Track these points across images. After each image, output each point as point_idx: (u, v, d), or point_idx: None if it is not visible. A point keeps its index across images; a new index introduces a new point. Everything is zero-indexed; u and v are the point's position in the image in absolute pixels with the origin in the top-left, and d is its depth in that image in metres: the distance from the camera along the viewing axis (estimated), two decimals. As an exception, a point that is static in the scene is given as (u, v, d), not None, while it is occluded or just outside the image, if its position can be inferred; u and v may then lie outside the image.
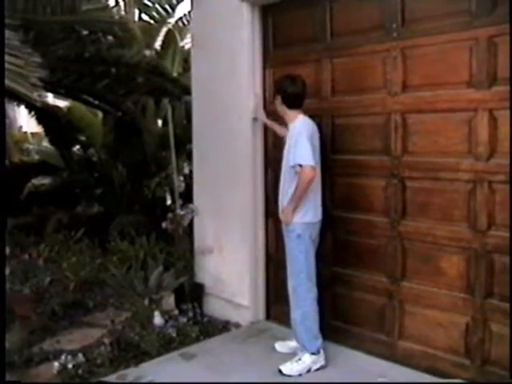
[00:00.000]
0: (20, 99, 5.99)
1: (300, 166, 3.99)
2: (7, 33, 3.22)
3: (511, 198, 3.56)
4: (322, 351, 4.23)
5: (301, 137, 4.05)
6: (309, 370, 4.15)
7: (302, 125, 4.17)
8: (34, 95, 3.23)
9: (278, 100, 4.28)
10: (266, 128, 5.01)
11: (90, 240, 6.74)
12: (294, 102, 4.22)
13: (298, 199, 4.06)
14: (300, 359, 4.19)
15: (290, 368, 4.15)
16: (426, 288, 4.07)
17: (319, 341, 4.23)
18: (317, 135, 4.27)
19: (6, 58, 3.06)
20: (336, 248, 4.62)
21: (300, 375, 4.12)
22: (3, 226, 3.70)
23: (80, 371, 4.23)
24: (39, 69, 3.29)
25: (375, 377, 4.03)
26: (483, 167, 3.72)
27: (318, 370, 4.17)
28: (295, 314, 4.26)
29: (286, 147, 4.24)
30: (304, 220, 4.16)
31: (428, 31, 3.93)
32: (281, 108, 4.30)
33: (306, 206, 4.15)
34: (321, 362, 4.21)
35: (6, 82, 2.97)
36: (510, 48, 3.48)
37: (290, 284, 4.29)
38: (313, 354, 4.18)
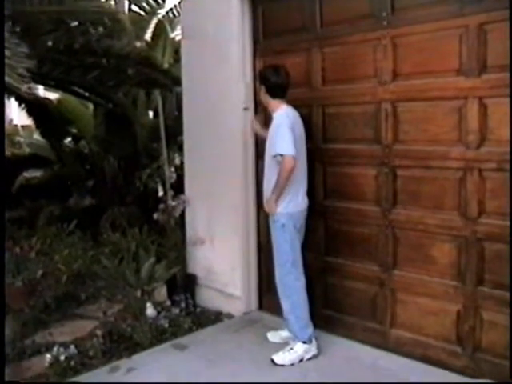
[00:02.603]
0: (10, 91, 5.94)
1: (281, 155, 4.02)
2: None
3: (511, 188, 3.57)
4: (314, 340, 4.24)
5: (281, 127, 4.08)
6: (301, 360, 4.16)
7: (283, 115, 4.19)
8: (23, 87, 3.21)
9: (262, 90, 4.33)
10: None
11: (82, 232, 6.73)
12: (278, 91, 4.25)
13: (281, 189, 4.09)
14: (292, 348, 4.19)
15: (282, 358, 4.15)
16: (417, 276, 4.08)
17: (310, 329, 4.24)
18: (300, 125, 4.28)
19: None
20: (327, 237, 4.63)
21: (292, 365, 4.13)
22: (3, 222, 3.68)
23: (72, 363, 4.23)
24: (26, 59, 3.27)
25: (368, 366, 4.05)
26: (473, 155, 3.72)
27: (310, 359, 4.18)
28: (285, 304, 4.28)
29: (268, 137, 4.27)
30: (288, 210, 4.18)
31: (418, 19, 3.92)
32: (264, 98, 4.34)
33: (289, 195, 4.16)
34: (313, 351, 4.21)
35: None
36: (509, 36, 3.47)
37: (277, 274, 4.31)
38: (304, 342, 4.19)
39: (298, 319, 4.23)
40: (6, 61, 3.07)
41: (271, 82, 4.24)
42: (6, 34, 3.30)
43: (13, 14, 3.70)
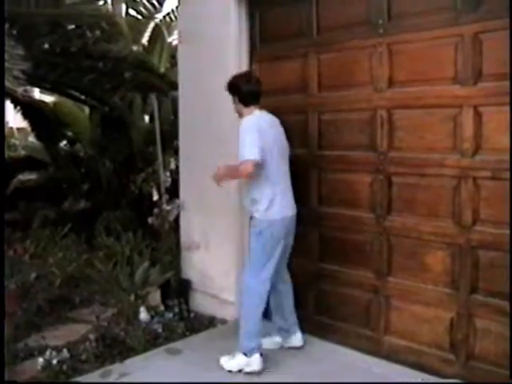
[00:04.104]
0: (6, 94, 5.93)
1: None
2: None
3: (511, 195, 3.59)
4: (259, 356, 4.08)
5: (244, 133, 3.97)
6: (240, 371, 4.06)
7: (248, 119, 4.10)
8: (19, 89, 3.21)
9: (236, 100, 4.25)
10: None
11: (77, 236, 6.72)
12: (251, 99, 4.19)
13: (228, 176, 4.31)
14: (234, 356, 4.12)
15: (225, 361, 4.13)
16: (411, 283, 4.08)
17: (254, 343, 4.10)
18: (275, 129, 4.22)
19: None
20: (322, 243, 4.63)
21: (230, 371, 4.07)
22: (3, 224, 3.67)
23: (64, 367, 4.21)
24: (22, 62, 3.27)
25: (361, 372, 4.04)
26: (468, 163, 3.73)
27: (250, 373, 4.04)
28: (241, 307, 4.23)
29: None
30: (267, 217, 4.09)
31: (414, 27, 3.93)
32: (238, 107, 4.28)
33: (265, 201, 4.08)
34: (253, 366, 4.06)
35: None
36: (509, 44, 3.48)
37: (243, 273, 4.30)
38: (245, 354, 4.08)
39: (245, 328, 4.14)
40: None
41: (243, 90, 4.18)
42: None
43: (9, 15, 3.69)
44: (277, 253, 4.13)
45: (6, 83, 3.06)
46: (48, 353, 4.34)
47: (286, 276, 4.47)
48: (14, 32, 3.87)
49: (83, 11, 5.39)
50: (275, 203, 4.10)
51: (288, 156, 4.29)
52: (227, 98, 4.69)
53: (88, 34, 6.08)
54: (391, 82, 4.09)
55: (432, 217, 3.93)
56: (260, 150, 3.91)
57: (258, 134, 3.96)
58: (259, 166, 3.95)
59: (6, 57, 3.10)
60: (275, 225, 4.10)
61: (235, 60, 4.96)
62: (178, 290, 5.38)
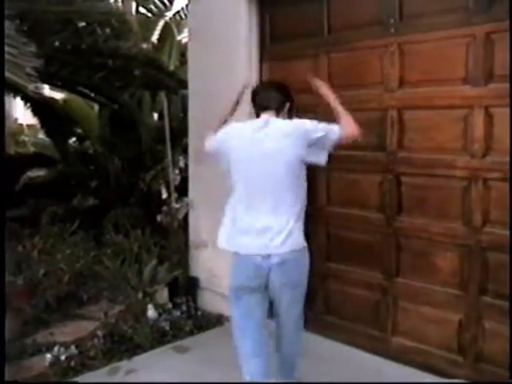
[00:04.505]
0: (16, 90, 5.96)
1: None
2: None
3: (511, 196, 3.56)
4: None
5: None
6: None
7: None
8: (30, 86, 3.22)
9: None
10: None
11: (85, 233, 6.72)
12: (257, 111, 3.56)
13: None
14: None
15: None
16: (420, 284, 4.08)
17: (244, 370, 3.42)
18: (258, 141, 3.30)
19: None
20: (330, 243, 4.62)
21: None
22: (3, 222, 3.68)
23: (72, 363, 4.23)
24: (34, 59, 3.28)
25: (369, 372, 4.04)
26: (478, 164, 3.72)
27: None
28: None
29: None
30: (224, 245, 3.51)
31: (426, 27, 3.92)
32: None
33: (224, 220, 3.56)
34: None
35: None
36: (509, 46, 3.47)
37: None
38: None
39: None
40: (14, 59, 3.08)
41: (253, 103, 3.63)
42: (13, 33, 3.31)
43: (20, 11, 3.70)
44: (247, 301, 3.38)
45: (19, 80, 3.07)
46: (56, 349, 4.36)
47: (290, 339, 3.61)
48: (25, 28, 3.89)
49: (94, 9, 5.41)
50: (234, 231, 3.42)
51: (291, 176, 3.30)
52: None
53: (98, 31, 6.10)
54: (402, 82, 4.08)
55: (442, 218, 3.92)
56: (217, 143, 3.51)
57: (224, 134, 3.50)
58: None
59: (18, 53, 3.12)
60: (237, 264, 3.40)
61: (245, 59, 4.96)
62: (186, 288, 5.39)
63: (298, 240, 3.28)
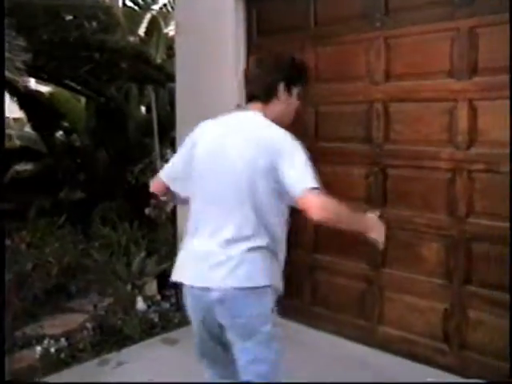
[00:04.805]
0: (3, 84, 5.93)
1: None
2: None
3: (511, 189, 3.64)
4: None
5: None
6: None
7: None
8: (20, 79, 3.24)
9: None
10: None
11: (73, 226, 6.73)
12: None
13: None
14: None
15: None
16: (405, 274, 4.14)
17: None
18: (219, 143, 2.52)
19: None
20: (317, 234, 4.65)
21: None
22: (2, 220, 3.69)
23: (62, 355, 4.26)
24: (23, 53, 3.30)
25: (356, 362, 4.08)
26: (463, 156, 3.78)
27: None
28: None
29: None
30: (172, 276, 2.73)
31: (411, 21, 3.96)
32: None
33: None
34: None
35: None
36: (509, 39, 3.52)
37: None
38: None
39: None
40: (5, 54, 3.10)
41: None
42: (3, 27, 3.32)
43: (9, 5, 3.70)
44: (198, 333, 2.64)
45: (8, 74, 3.09)
46: (46, 341, 4.38)
47: None
48: (14, 22, 3.88)
49: (82, 2, 5.42)
50: (179, 254, 2.72)
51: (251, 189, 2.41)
52: (224, 90, 4.71)
53: (86, 24, 6.10)
54: (388, 76, 4.13)
55: (427, 209, 3.98)
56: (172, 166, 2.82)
57: (185, 144, 2.79)
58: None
59: (8, 47, 3.14)
60: (184, 296, 2.68)
61: (232, 52, 4.97)
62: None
63: (252, 275, 2.38)
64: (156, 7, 8.98)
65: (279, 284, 2.52)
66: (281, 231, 2.54)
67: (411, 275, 4.10)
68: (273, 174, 2.35)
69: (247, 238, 2.39)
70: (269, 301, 2.43)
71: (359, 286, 4.41)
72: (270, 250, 2.44)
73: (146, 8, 8.81)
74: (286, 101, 2.61)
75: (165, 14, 8.91)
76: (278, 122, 2.55)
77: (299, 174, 2.33)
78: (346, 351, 4.29)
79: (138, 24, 8.43)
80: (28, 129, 9.35)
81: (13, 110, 9.25)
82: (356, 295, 4.45)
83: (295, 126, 4.51)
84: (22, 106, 7.92)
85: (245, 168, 2.39)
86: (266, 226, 2.42)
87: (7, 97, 7.89)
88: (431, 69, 3.90)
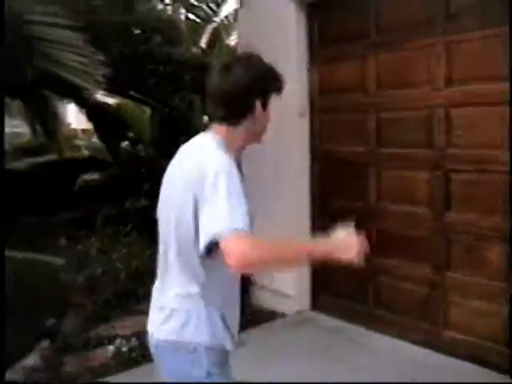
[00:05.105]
0: (74, 96, 6.20)
1: None
2: (71, 34, 3.43)
3: (511, 189, 3.63)
4: None
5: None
6: None
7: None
8: (98, 92, 3.41)
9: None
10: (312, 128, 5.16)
11: (139, 233, 6.91)
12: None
13: None
14: None
15: None
16: (469, 278, 4.14)
17: None
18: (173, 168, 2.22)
19: (71, 56, 3.26)
20: (380, 239, 4.69)
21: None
22: (3, 226, 3.86)
23: (134, 354, 4.44)
24: (102, 66, 3.48)
25: (420, 366, 4.10)
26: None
27: None
28: None
29: None
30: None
31: (471, 26, 3.99)
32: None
33: None
34: None
35: (73, 78, 3.17)
36: (509, 46, 3.52)
37: None
38: None
39: None
40: (84, 68, 3.30)
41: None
42: (82, 43, 3.52)
43: (86, 23, 3.91)
44: None
45: (88, 87, 3.29)
46: (118, 341, 4.57)
47: None
48: (89, 38, 4.09)
49: (150, 16, 5.61)
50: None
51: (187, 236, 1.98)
52: (286, 100, 4.79)
53: (152, 38, 6.30)
54: (448, 81, 4.16)
55: (490, 212, 3.98)
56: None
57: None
58: None
59: (88, 62, 3.33)
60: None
61: (294, 62, 5.09)
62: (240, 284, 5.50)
63: (185, 329, 2.00)
64: (217, 19, 9.16)
65: (222, 341, 2.06)
66: (221, 283, 2.05)
67: (475, 278, 4.10)
68: (196, 212, 1.90)
69: (177, 285, 2.06)
70: (203, 362, 1.99)
71: (423, 290, 4.43)
72: (208, 301, 2.01)
73: (207, 20, 9.00)
74: (259, 117, 2.12)
75: (226, 25, 9.08)
76: (249, 142, 2.18)
77: (216, 214, 1.80)
78: (409, 354, 4.31)
79: (200, 36, 8.61)
80: (95, 139, 9.64)
81: (81, 121, 9.60)
82: (420, 299, 4.47)
83: (356, 133, 4.64)
84: (90, 118, 8.18)
85: (173, 206, 2.05)
86: (195, 276, 2.00)
87: (73, 109, 8.19)
88: (490, 73, 3.91)
